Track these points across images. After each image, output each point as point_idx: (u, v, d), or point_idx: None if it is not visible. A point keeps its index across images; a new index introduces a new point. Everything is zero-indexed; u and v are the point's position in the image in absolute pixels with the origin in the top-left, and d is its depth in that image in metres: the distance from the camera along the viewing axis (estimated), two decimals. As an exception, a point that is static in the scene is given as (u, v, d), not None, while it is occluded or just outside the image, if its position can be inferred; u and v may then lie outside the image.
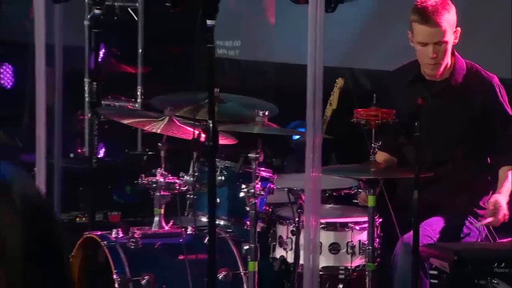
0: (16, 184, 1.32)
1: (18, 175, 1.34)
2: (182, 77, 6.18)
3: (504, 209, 4.20)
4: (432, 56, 4.25)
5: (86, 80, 5.74)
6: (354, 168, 4.11)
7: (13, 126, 5.16)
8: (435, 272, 4.15)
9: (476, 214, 4.35)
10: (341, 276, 4.07)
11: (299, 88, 4.09)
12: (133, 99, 5.87)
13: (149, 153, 4.64)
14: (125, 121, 4.18)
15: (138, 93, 5.85)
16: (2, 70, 4.88)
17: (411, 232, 3.95)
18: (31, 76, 5.17)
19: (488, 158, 4.42)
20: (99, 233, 3.84)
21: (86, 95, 5.76)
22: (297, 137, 5.36)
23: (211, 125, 3.38)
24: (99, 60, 5.18)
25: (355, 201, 4.45)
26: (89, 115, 4.90)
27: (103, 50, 5.68)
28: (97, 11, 4.37)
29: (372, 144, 3.92)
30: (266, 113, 3.90)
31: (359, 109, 3.92)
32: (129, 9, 5.78)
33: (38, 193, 1.35)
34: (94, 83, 4.39)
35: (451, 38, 4.26)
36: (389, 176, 4.10)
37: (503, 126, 4.34)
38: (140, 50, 5.80)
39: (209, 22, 3.40)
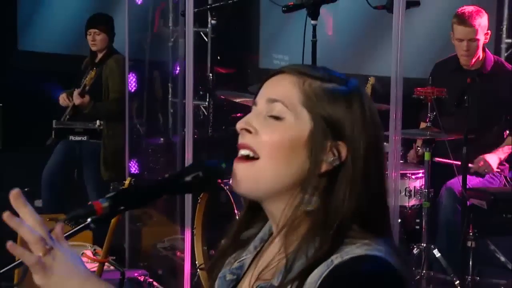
0: (366, 98, 1.55)
1: (367, 95, 1.57)
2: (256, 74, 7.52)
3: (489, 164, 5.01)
4: (465, 49, 5.07)
5: (170, 84, 6.98)
6: (416, 131, 4.93)
7: (136, 118, 6.35)
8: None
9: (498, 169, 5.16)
10: (401, 212, 4.61)
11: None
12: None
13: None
14: (237, 100, 5.04)
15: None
16: (129, 78, 5.94)
17: (453, 179, 4.82)
18: (148, 82, 6.52)
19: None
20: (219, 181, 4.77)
21: (170, 95, 7.04)
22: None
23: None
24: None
25: (401, 161, 5.12)
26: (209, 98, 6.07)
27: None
28: (213, 21, 5.59)
29: (428, 114, 4.79)
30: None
31: (419, 88, 4.78)
32: (201, 33, 7.21)
33: (376, 112, 1.57)
34: (210, 74, 5.49)
35: (482, 37, 5.08)
36: (444, 138, 4.77)
37: None
38: (209, 64, 6.94)
39: (312, 22, 4.11)
